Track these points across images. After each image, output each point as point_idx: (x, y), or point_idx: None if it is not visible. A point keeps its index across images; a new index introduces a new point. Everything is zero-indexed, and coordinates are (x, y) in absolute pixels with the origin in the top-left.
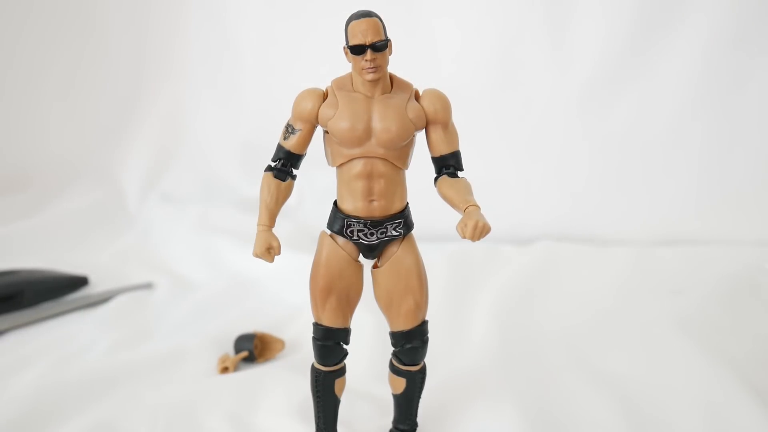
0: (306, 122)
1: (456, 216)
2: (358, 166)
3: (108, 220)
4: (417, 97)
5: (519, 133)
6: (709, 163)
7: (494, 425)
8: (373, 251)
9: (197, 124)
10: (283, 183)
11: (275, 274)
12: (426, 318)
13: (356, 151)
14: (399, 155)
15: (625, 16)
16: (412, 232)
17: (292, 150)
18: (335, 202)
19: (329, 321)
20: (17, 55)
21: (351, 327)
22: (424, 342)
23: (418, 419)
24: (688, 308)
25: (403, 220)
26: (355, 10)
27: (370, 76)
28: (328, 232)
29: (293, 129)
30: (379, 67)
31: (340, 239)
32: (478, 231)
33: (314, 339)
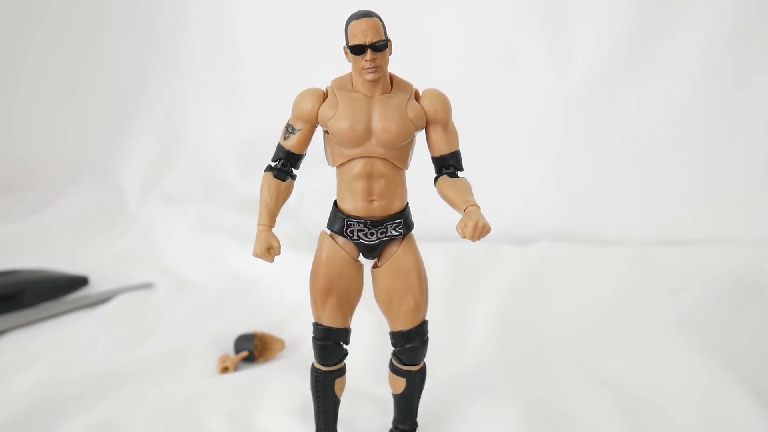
0: (306, 122)
1: (456, 216)
2: (358, 166)
3: (108, 220)
4: (417, 97)
5: (519, 132)
6: (709, 162)
7: (494, 425)
8: (373, 251)
9: (197, 124)
10: (283, 183)
11: (275, 274)
12: (426, 318)
13: (356, 151)
14: (399, 155)
15: (624, 16)
16: (412, 232)
17: (292, 150)
18: (335, 202)
19: (329, 321)
20: (18, 55)
21: (351, 327)
22: (424, 342)
23: (418, 419)
24: (687, 308)
25: (403, 220)
26: (355, 10)
27: (370, 76)
28: (328, 232)
29: (293, 129)
30: (379, 67)
31: (340, 239)
32: (478, 231)
33: (314, 339)
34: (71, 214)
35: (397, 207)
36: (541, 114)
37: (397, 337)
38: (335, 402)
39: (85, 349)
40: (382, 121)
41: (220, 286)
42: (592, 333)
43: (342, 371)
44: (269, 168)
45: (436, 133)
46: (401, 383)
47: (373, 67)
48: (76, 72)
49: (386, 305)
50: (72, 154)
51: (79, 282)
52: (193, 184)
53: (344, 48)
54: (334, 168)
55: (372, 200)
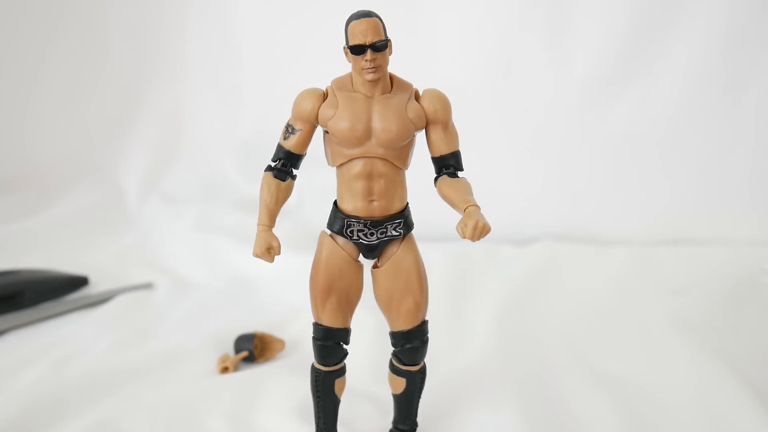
0: (306, 122)
1: (456, 216)
2: (358, 166)
3: (108, 220)
4: (417, 97)
5: (519, 133)
6: (709, 162)
7: (494, 425)
8: (373, 251)
9: (197, 123)
10: (283, 183)
11: (275, 274)
12: (426, 318)
13: (356, 151)
14: (399, 155)
15: (624, 17)
16: (412, 232)
17: (292, 150)
18: (335, 202)
19: (329, 321)
20: (17, 54)
21: (351, 327)
22: (424, 342)
23: (418, 419)
24: (687, 308)
25: (403, 220)
26: (355, 10)
27: (370, 76)
28: (328, 232)
29: (293, 129)
30: (379, 67)
31: (340, 239)
32: (478, 231)
33: (314, 339)
34: (71, 214)
35: (397, 207)
36: (541, 114)
37: (397, 337)
38: (335, 402)
39: (85, 349)
40: (382, 121)
41: (220, 286)
42: (591, 333)
43: (342, 371)
44: (269, 168)
45: (436, 133)
46: (401, 383)
47: (373, 67)
48: (76, 72)
49: (386, 305)
50: (72, 154)
51: (79, 282)
52: (193, 184)
53: (344, 48)
54: (334, 168)
55: (372, 200)
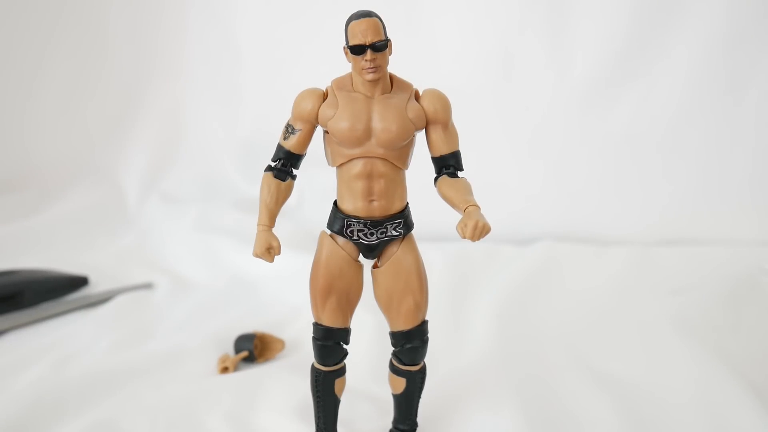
0: (306, 122)
1: (456, 216)
2: (358, 166)
3: (108, 220)
4: (417, 97)
5: (519, 133)
6: (709, 162)
7: (494, 425)
8: (373, 251)
9: (197, 123)
10: (283, 183)
11: (275, 274)
12: (426, 318)
13: (356, 151)
14: (399, 155)
15: (624, 17)
16: (412, 232)
17: (292, 150)
18: (335, 202)
19: (329, 321)
20: (17, 54)
21: (351, 327)
22: (424, 342)
23: (418, 419)
24: (687, 308)
25: (403, 220)
26: (355, 11)
27: (370, 76)
28: (328, 232)
29: (293, 129)
30: (379, 67)
31: (340, 239)
32: (478, 231)
33: (314, 339)
34: (71, 214)
35: (397, 207)
36: (541, 114)
37: (397, 337)
38: (335, 402)
39: (85, 349)
40: (382, 121)
41: (220, 286)
42: (591, 332)
43: (342, 371)
44: (269, 168)
45: (436, 133)
46: (401, 383)
47: (373, 67)
48: (76, 72)
49: (386, 305)
50: (72, 154)
51: (79, 282)
52: (193, 184)
53: (344, 48)
54: (334, 168)
55: (372, 200)
